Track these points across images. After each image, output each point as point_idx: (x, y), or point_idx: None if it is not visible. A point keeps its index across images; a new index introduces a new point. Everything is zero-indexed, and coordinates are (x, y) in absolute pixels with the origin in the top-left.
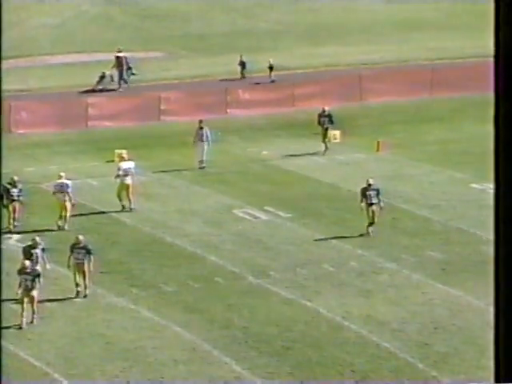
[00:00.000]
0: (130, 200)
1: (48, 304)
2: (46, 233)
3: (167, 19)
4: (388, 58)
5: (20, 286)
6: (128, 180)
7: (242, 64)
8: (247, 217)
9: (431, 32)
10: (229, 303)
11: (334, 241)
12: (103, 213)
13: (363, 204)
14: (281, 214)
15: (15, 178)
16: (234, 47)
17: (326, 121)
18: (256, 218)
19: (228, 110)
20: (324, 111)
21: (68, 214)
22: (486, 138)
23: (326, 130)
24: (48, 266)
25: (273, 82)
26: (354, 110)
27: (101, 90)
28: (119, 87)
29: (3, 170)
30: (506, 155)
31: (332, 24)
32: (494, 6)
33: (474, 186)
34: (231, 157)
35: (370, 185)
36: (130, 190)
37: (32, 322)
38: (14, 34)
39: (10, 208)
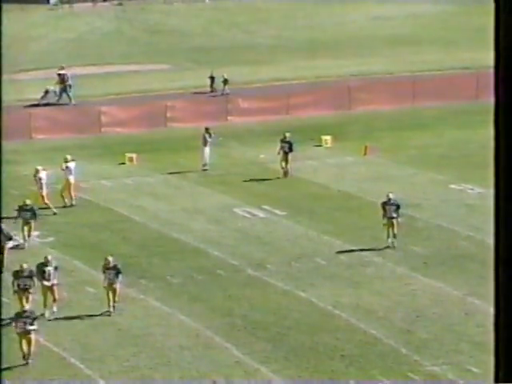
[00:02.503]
0: (71, 197)
1: (64, 294)
2: (63, 228)
3: (173, 34)
4: (374, 71)
5: (17, 327)
6: (71, 178)
7: (212, 78)
8: (246, 215)
9: (413, 46)
10: (229, 293)
11: (325, 237)
12: (115, 211)
13: (384, 219)
14: (277, 212)
15: (27, 201)
16: (234, 60)
17: (286, 147)
18: (254, 215)
19: (228, 118)
20: (285, 137)
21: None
22: (464, 142)
23: (287, 154)
24: (55, 281)
25: (227, 94)
26: (343, 117)
27: (44, 105)
28: (58, 100)
29: (25, 172)
30: (506, 163)
31: (324, 39)
32: (494, 8)
33: (452, 186)
34: (231, 160)
35: (389, 199)
36: (72, 187)
37: (27, 364)
38: (34, 48)
39: (25, 228)
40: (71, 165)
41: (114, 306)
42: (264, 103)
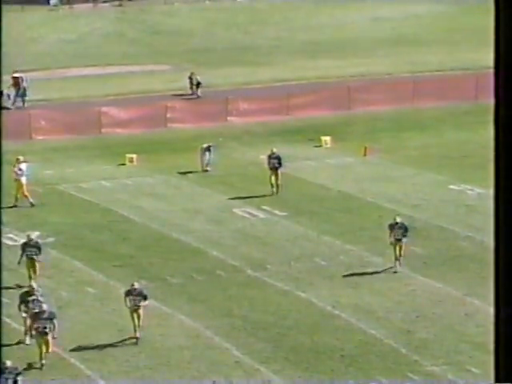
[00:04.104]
0: (26, 196)
1: (64, 294)
2: (63, 229)
3: (173, 35)
4: (374, 71)
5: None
6: (23, 179)
7: (191, 79)
8: (246, 215)
9: (413, 47)
10: (229, 294)
11: (325, 237)
12: (115, 211)
13: (391, 239)
14: (277, 212)
15: (32, 235)
16: (233, 61)
17: (275, 162)
18: (254, 216)
19: (228, 118)
20: (273, 153)
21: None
22: (464, 143)
23: (276, 169)
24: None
25: (198, 97)
26: (343, 118)
27: None
28: (13, 103)
29: (26, 173)
30: (506, 162)
31: (323, 40)
32: (494, 9)
33: (452, 187)
34: (231, 160)
35: (397, 223)
36: (24, 187)
37: (42, 369)
38: (35, 49)
39: (30, 266)
40: (23, 166)
41: (137, 338)
42: (264, 104)
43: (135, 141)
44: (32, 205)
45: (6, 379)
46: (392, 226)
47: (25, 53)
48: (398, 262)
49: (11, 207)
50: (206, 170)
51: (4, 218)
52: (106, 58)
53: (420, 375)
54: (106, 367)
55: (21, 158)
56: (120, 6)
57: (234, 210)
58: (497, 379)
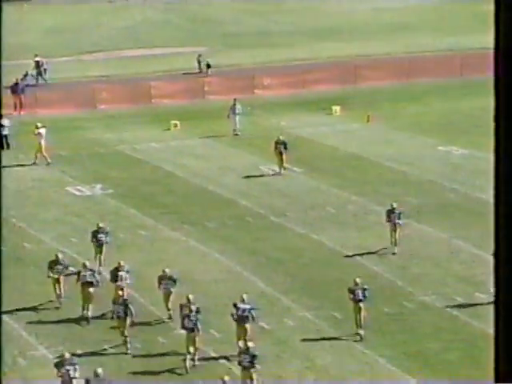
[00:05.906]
0: (45, 156)
1: (122, 236)
2: (121, 182)
3: (209, 22)
4: (376, 52)
5: (113, 316)
6: (42, 141)
7: (199, 62)
8: (270, 171)
9: (408, 32)
10: (255, 236)
11: (334, 189)
12: (162, 168)
13: (388, 224)
14: (295, 169)
15: (101, 224)
16: (258, 43)
17: (281, 147)
18: (276, 172)
19: (255, 91)
20: (279, 139)
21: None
22: (450, 112)
23: (281, 154)
24: (129, 282)
25: (210, 75)
26: (350, 91)
27: (25, 85)
28: (37, 82)
29: (90, 136)
30: (506, 151)
31: (334, 26)
32: (495, 4)
33: (440, 148)
34: (258, 126)
35: (394, 208)
36: (43, 148)
37: (127, 353)
38: (97, 34)
39: (98, 251)
40: (42, 131)
41: (169, 317)
42: (284, 79)
43: (179, 110)
44: (48, 163)
45: (67, 370)
46: (389, 212)
47: (89, 37)
48: (395, 247)
49: (48, 164)
50: (237, 134)
51: (72, 173)
52: (155, 42)
53: (413, 303)
54: (155, 296)
55: (39, 125)
56: None
57: (260, 167)
58: (496, 379)
